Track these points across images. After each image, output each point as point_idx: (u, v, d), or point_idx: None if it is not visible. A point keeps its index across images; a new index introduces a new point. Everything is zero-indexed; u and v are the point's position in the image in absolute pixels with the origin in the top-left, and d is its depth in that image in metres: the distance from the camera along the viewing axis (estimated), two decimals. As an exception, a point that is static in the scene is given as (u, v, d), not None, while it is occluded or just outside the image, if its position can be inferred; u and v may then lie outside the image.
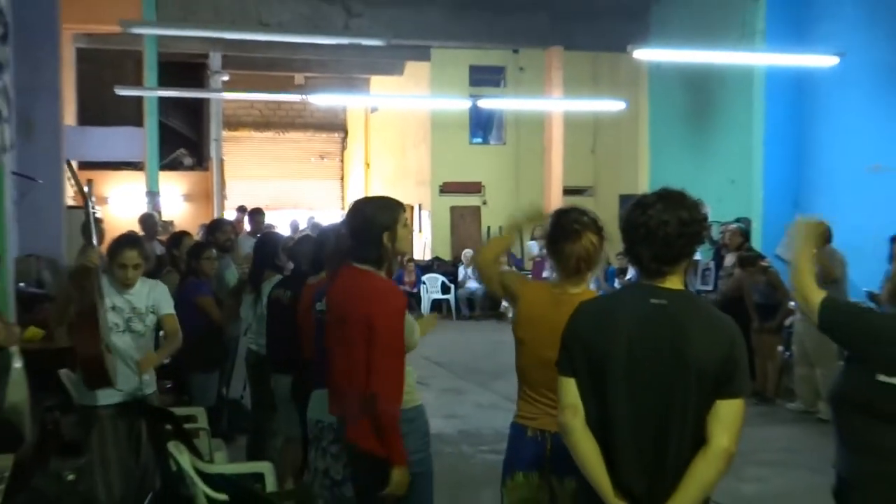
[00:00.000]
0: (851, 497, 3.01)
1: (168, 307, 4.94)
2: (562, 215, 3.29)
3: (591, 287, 3.44)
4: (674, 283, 2.62)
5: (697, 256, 10.23)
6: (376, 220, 3.45)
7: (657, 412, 2.54)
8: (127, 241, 4.97)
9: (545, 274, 13.60)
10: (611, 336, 2.56)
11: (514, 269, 14.55)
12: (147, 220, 10.82)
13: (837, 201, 10.52)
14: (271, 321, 5.55)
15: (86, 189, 6.00)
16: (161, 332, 5.18)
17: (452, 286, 16.48)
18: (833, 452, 3.13)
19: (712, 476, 2.50)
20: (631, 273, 12.50)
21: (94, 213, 5.15)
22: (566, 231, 3.20)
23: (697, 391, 2.50)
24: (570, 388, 2.62)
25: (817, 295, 3.03)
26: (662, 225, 2.53)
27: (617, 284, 12.86)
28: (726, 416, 2.51)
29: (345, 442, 3.55)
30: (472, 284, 16.17)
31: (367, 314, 3.34)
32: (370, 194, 11.05)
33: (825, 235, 8.01)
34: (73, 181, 4.95)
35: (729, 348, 2.53)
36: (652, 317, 2.55)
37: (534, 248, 15.86)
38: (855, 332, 3.03)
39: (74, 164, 15.53)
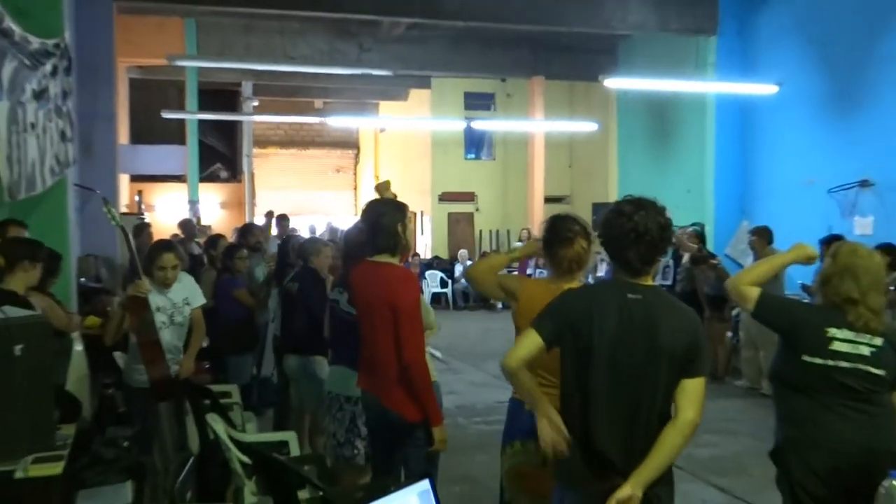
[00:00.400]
0: (783, 458, 3.05)
1: (198, 300, 4.82)
2: (557, 223, 3.26)
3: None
4: (647, 280, 2.64)
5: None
6: (390, 214, 3.54)
7: (632, 389, 2.55)
8: (164, 245, 4.84)
9: (528, 271, 13.61)
10: (595, 324, 2.57)
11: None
12: (186, 225, 10.79)
13: (777, 209, 10.54)
14: (283, 310, 5.59)
15: (138, 201, 5.97)
16: None
17: (450, 281, 16.48)
18: (771, 423, 3.16)
19: (680, 443, 2.52)
20: (602, 270, 12.54)
21: (143, 219, 5.12)
22: (560, 238, 3.20)
23: (667, 372, 2.53)
24: (529, 343, 2.60)
25: (754, 291, 3.06)
26: (648, 231, 2.54)
27: (590, 279, 12.86)
28: (692, 392, 2.54)
29: (379, 409, 3.53)
30: (467, 279, 16.17)
31: (390, 299, 3.39)
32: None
33: (769, 237, 8.12)
34: (110, 215, 4.81)
35: (693, 335, 2.56)
36: (630, 309, 2.56)
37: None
38: (784, 319, 3.06)
39: (126, 177, 15.50)
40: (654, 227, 2.54)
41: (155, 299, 4.52)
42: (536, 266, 13.57)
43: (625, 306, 2.56)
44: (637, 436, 2.54)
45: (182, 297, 4.71)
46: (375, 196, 4.10)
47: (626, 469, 2.52)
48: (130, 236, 4.79)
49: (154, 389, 4.39)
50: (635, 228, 2.54)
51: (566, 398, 2.66)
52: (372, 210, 3.61)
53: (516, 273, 12.30)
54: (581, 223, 3.26)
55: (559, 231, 3.21)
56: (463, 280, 16.14)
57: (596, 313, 2.58)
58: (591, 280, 12.76)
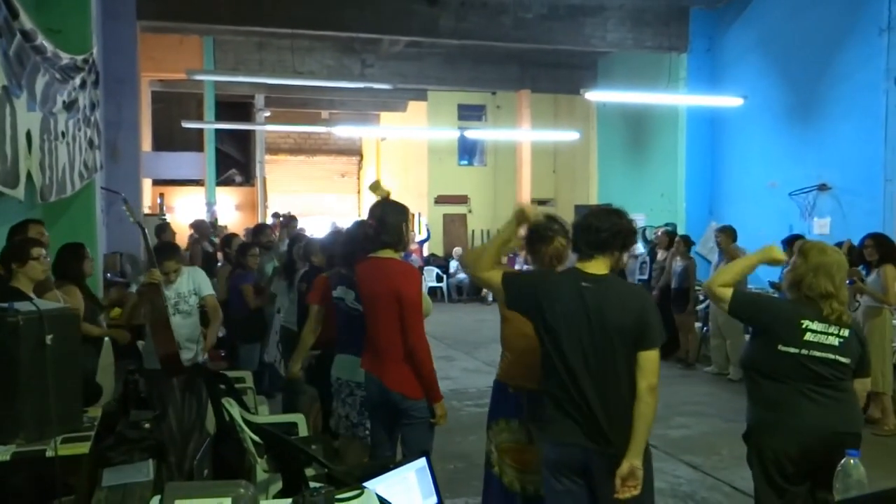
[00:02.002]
0: (755, 439, 3.05)
1: (208, 289, 4.82)
2: (539, 223, 3.24)
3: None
4: (598, 268, 2.75)
5: (639, 251, 10.22)
6: (397, 214, 3.62)
7: (594, 364, 2.66)
8: (167, 254, 4.77)
9: (516, 266, 13.60)
10: (553, 306, 2.71)
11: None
12: (199, 225, 10.69)
13: (743, 210, 10.57)
14: (298, 308, 5.54)
15: (160, 203, 5.96)
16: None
17: (445, 276, 16.47)
18: (737, 406, 3.16)
19: (647, 411, 2.63)
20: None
21: (165, 219, 5.11)
22: (542, 236, 3.19)
23: (621, 346, 2.64)
24: (494, 277, 2.86)
25: (728, 291, 3.06)
26: (595, 223, 2.77)
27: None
28: (645, 363, 2.65)
29: (381, 389, 3.53)
30: (461, 275, 16.16)
31: (395, 290, 3.43)
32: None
33: (734, 235, 8.15)
34: (129, 213, 4.91)
35: (639, 312, 2.67)
36: (582, 295, 2.69)
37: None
38: (759, 314, 3.06)
39: (149, 181, 15.44)
40: (605, 224, 2.75)
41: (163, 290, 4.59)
42: (525, 263, 13.56)
43: (578, 293, 2.70)
44: (608, 403, 2.65)
45: (188, 287, 4.73)
46: (373, 195, 4.14)
47: (595, 431, 2.65)
48: (147, 232, 4.87)
49: (162, 365, 4.44)
50: (587, 222, 2.79)
51: (545, 369, 2.78)
52: (383, 209, 3.64)
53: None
54: (560, 222, 3.26)
55: (540, 230, 3.21)
56: (457, 275, 16.13)
57: (554, 297, 2.73)
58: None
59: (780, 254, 3.14)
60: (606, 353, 2.64)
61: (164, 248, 4.96)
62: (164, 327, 4.41)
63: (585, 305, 2.67)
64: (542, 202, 17.76)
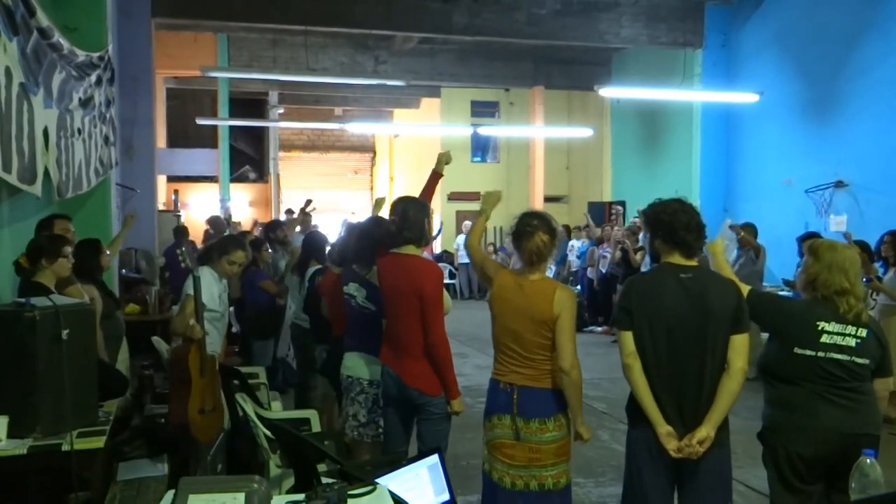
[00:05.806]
0: (771, 439, 3.02)
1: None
2: (520, 219, 3.23)
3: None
4: (693, 261, 2.92)
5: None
6: (419, 210, 3.66)
7: (695, 349, 2.80)
8: (237, 244, 4.51)
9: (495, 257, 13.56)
10: (657, 301, 2.84)
11: (499, 255, 14.55)
12: (215, 222, 10.72)
13: (758, 208, 10.50)
14: (311, 302, 5.44)
15: (174, 199, 5.92)
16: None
17: (457, 273, 16.46)
18: (752, 404, 3.15)
19: (735, 389, 2.78)
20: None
21: (179, 216, 5.09)
22: (521, 232, 3.17)
23: (720, 331, 2.79)
24: (629, 340, 2.87)
25: (743, 289, 3.03)
26: (693, 218, 2.93)
27: (552, 269, 13.24)
28: (739, 345, 2.81)
29: (400, 385, 3.54)
30: (462, 257, 16.11)
31: (417, 287, 3.45)
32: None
33: (755, 232, 8.03)
34: (181, 257, 4.51)
35: (736, 299, 2.84)
36: (684, 286, 2.84)
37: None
38: (775, 316, 3.04)
39: (163, 177, 15.51)
40: (697, 218, 2.94)
41: (212, 288, 4.29)
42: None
43: (679, 284, 2.84)
44: (704, 385, 2.79)
45: (218, 289, 4.42)
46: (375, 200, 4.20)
47: (691, 415, 2.79)
48: (195, 280, 4.05)
49: (171, 429, 3.98)
50: (666, 221, 2.90)
51: (644, 359, 2.87)
52: (407, 205, 3.66)
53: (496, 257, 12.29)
54: (544, 218, 3.20)
55: (521, 226, 3.18)
56: (465, 259, 16.08)
57: (655, 290, 2.87)
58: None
59: (720, 245, 3.35)
60: (708, 337, 2.78)
61: (237, 240, 4.68)
62: (185, 393, 3.88)
63: (687, 294, 2.82)
64: (555, 199, 17.72)
